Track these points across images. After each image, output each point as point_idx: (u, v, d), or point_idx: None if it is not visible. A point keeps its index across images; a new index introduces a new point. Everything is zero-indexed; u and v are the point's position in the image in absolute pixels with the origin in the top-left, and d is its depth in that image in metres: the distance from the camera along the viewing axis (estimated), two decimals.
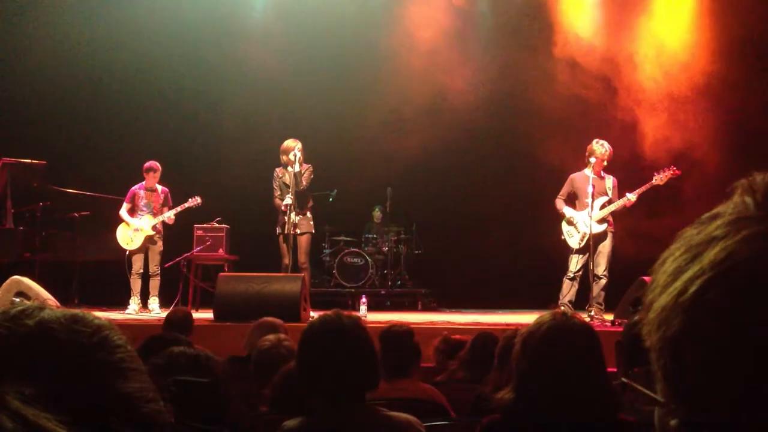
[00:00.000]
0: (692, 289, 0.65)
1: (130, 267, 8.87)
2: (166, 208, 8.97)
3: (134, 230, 8.84)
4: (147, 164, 8.96)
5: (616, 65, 10.24)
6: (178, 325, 5.12)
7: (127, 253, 8.86)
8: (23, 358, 0.68)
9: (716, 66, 9.89)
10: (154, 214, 8.91)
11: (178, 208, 8.94)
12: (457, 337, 4.77)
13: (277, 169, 8.35)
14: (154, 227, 8.85)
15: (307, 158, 8.28)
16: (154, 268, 8.92)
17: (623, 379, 2.61)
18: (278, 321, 4.44)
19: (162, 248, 8.96)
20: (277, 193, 8.28)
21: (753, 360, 0.62)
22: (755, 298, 0.62)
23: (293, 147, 8.18)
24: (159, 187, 9.01)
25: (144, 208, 8.92)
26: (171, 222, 8.93)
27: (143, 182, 8.99)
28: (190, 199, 9.00)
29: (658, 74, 10.14)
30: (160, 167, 8.96)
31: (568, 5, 10.55)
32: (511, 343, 3.09)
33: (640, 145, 9.76)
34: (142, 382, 0.72)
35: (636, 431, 2.14)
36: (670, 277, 0.68)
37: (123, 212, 8.90)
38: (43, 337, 0.69)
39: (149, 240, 8.88)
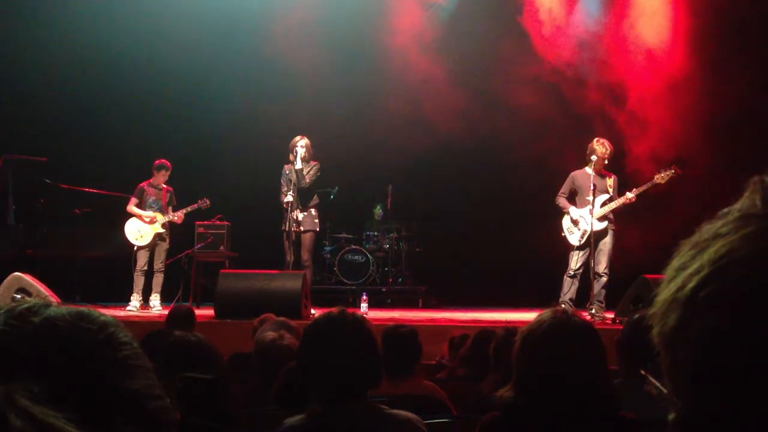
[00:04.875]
0: (690, 285, 0.65)
1: (135, 263, 8.86)
2: (170, 208, 8.98)
3: (146, 224, 8.81)
4: (159, 162, 8.96)
5: (609, 66, 10.27)
6: (180, 321, 5.13)
7: (135, 248, 8.85)
8: (29, 356, 0.68)
9: (698, 61, 9.94)
10: (162, 212, 8.92)
11: (188, 208, 8.97)
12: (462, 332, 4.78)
13: (285, 166, 8.34)
14: (163, 224, 8.87)
15: (310, 155, 8.29)
16: (160, 265, 8.92)
17: (642, 371, 2.62)
18: (284, 319, 4.43)
19: (168, 246, 8.97)
20: (284, 188, 8.26)
21: (743, 359, 0.62)
22: (749, 296, 0.62)
23: (297, 143, 8.17)
24: (164, 186, 9.01)
25: (152, 205, 8.93)
26: (180, 221, 8.94)
27: (150, 179, 8.99)
28: (199, 200, 9.02)
29: (642, 70, 10.18)
30: (170, 166, 8.97)
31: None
32: (505, 343, 3.11)
33: (633, 144, 9.77)
34: (148, 379, 0.72)
35: (636, 428, 2.15)
36: (675, 272, 0.68)
37: (132, 207, 8.89)
38: (49, 335, 0.70)
39: (158, 237, 8.88)
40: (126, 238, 8.84)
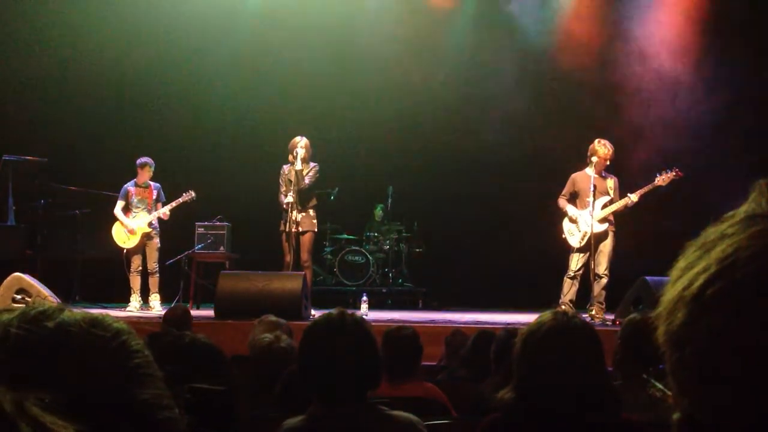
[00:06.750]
0: (697, 283, 0.66)
1: (129, 265, 8.81)
2: (159, 204, 8.90)
3: (129, 231, 8.77)
4: (141, 159, 8.82)
5: (607, 64, 10.29)
6: (176, 322, 5.12)
7: (125, 251, 8.82)
8: (41, 362, 0.68)
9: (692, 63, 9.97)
10: (149, 211, 8.85)
11: (173, 203, 8.85)
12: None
13: (284, 166, 8.32)
14: (149, 224, 8.81)
15: (309, 156, 8.30)
16: (153, 265, 8.85)
17: (644, 375, 2.63)
18: (281, 320, 4.44)
19: (159, 245, 8.88)
20: (282, 189, 8.25)
21: (750, 356, 0.62)
22: (756, 293, 0.63)
23: (297, 144, 8.17)
24: (151, 183, 8.95)
25: (138, 205, 8.83)
26: (166, 218, 8.85)
27: (135, 179, 8.91)
28: (184, 194, 8.92)
29: (641, 69, 10.20)
30: (153, 162, 8.91)
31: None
32: (506, 345, 3.11)
33: (638, 148, 9.78)
34: (158, 388, 0.72)
35: (637, 430, 2.15)
36: (681, 271, 0.69)
37: (118, 211, 8.79)
38: (62, 341, 0.69)
39: (146, 237, 8.82)
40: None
